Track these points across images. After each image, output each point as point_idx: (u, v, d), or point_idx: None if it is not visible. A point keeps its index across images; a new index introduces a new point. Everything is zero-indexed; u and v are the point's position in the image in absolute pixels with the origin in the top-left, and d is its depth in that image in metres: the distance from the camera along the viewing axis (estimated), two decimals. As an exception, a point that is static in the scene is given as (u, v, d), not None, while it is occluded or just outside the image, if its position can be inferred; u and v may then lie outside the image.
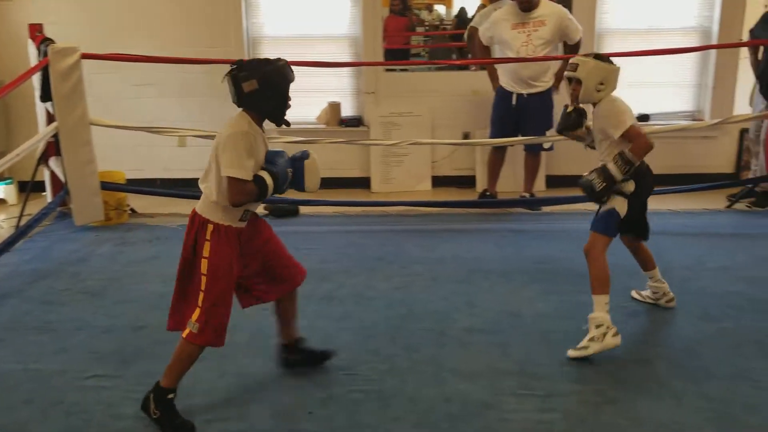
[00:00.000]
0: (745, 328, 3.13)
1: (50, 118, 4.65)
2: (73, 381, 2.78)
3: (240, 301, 2.66)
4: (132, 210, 5.23)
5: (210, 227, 2.42)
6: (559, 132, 3.24)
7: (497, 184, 5.42)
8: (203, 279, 2.41)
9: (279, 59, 2.44)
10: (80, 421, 2.50)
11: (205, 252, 2.41)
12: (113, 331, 3.24)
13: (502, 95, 5.11)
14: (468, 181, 6.01)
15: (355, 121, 5.99)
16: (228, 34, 5.80)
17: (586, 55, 3.03)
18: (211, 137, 4.95)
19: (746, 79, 5.32)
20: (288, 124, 2.49)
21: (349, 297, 3.60)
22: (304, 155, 2.54)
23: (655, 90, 5.83)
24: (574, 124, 3.14)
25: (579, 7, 5.65)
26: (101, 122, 4.70)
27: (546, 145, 5.11)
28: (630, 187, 2.96)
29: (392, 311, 3.41)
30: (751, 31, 5.10)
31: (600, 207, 3.03)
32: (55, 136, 4.56)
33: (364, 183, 6.06)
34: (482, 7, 5.65)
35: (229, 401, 2.64)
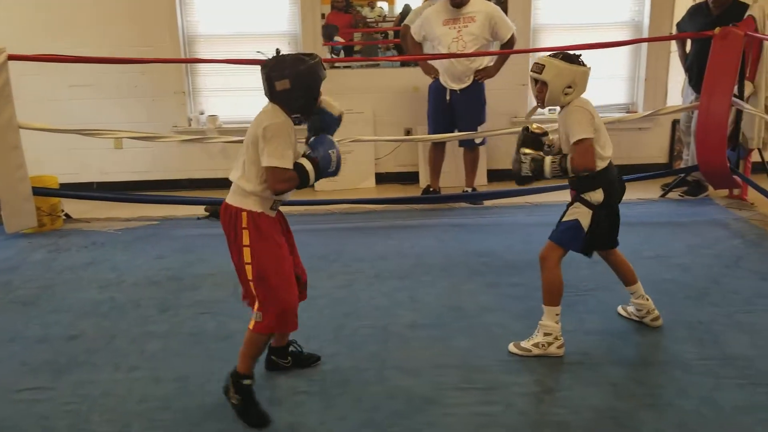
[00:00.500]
0: (678, 314, 3.22)
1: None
2: (5, 395, 2.69)
3: None
4: (67, 215, 5.08)
5: (244, 215, 2.43)
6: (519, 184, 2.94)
7: (440, 180, 5.46)
8: (248, 268, 2.43)
9: (312, 56, 2.43)
10: (12, 436, 2.42)
11: (245, 240, 2.43)
12: (47, 341, 3.14)
13: (436, 90, 5.15)
14: (412, 178, 6.03)
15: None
16: (163, 33, 5.68)
17: (553, 55, 2.80)
18: (149, 138, 4.92)
19: (680, 71, 5.46)
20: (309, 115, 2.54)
21: (292, 297, 3.57)
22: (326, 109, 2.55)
23: (590, 83, 5.92)
24: (534, 177, 2.85)
25: (514, 3, 5.74)
26: (30, 125, 4.53)
27: (477, 140, 5.16)
28: (597, 196, 2.80)
29: (335, 310, 3.39)
30: (678, 25, 5.26)
31: (563, 216, 2.88)
32: (-18, 140, 4.39)
33: (307, 182, 6.01)
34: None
35: (167, 407, 2.59)
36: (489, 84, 5.15)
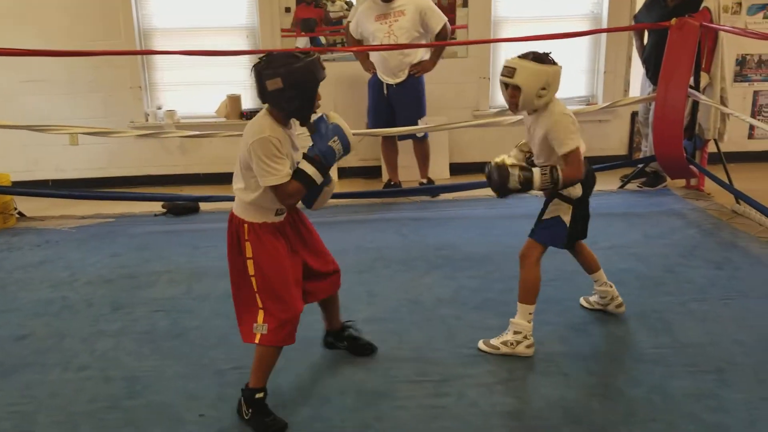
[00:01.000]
0: (631, 304, 3.24)
1: None
2: (-53, 398, 2.62)
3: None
4: (20, 213, 4.97)
5: (246, 227, 2.40)
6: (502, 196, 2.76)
7: (402, 174, 5.44)
8: (253, 280, 2.38)
9: (309, 54, 2.32)
10: (-48, 441, 2.36)
11: (248, 252, 2.39)
12: (-7, 341, 3.07)
13: (375, 85, 5.13)
14: (375, 172, 6.00)
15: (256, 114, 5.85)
16: (117, 26, 5.56)
17: (523, 56, 2.65)
18: (104, 134, 4.83)
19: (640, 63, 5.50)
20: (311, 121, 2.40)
21: (248, 293, 3.53)
22: (326, 119, 2.41)
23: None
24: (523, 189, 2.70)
25: (475, -5, 5.73)
26: (-21, 122, 4.43)
27: (419, 134, 5.14)
28: (576, 191, 2.75)
29: (291, 305, 3.36)
30: (635, 17, 5.30)
31: (542, 214, 2.83)
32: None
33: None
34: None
35: (116, 406, 2.54)
36: (451, 77, 5.13)
